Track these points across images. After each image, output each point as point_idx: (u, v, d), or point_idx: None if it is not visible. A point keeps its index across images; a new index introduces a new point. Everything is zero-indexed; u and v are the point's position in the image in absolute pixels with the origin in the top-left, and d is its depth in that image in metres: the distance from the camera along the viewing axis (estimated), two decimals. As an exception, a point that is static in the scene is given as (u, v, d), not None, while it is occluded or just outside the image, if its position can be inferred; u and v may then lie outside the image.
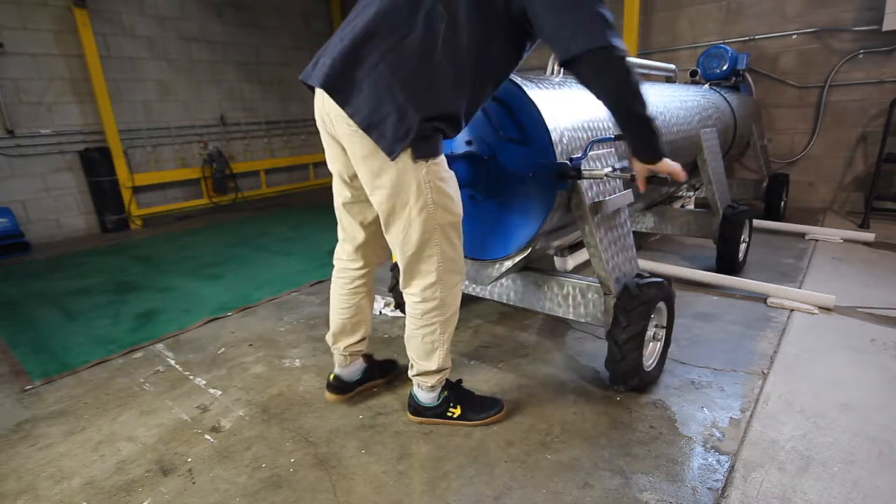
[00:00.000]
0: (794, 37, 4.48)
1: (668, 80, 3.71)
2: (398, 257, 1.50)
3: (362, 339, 1.85)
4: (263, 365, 2.26)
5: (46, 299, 3.34)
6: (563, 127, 1.74)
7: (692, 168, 3.03)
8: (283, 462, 1.61)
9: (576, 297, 1.97)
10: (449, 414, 1.73)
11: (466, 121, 1.42)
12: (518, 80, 1.74)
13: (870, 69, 4.19)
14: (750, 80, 4.64)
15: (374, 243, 1.70)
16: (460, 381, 1.80)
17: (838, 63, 4.30)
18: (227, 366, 2.27)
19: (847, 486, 1.39)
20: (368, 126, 1.28)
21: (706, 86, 3.84)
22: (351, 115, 1.28)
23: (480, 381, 2.02)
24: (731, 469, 1.47)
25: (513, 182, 1.77)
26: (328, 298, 1.81)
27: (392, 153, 1.29)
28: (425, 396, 1.72)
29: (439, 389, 1.71)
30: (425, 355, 1.62)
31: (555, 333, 2.41)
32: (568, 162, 1.66)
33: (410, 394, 1.76)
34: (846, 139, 4.44)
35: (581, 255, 2.46)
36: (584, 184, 1.73)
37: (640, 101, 1.34)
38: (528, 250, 1.87)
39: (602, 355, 1.86)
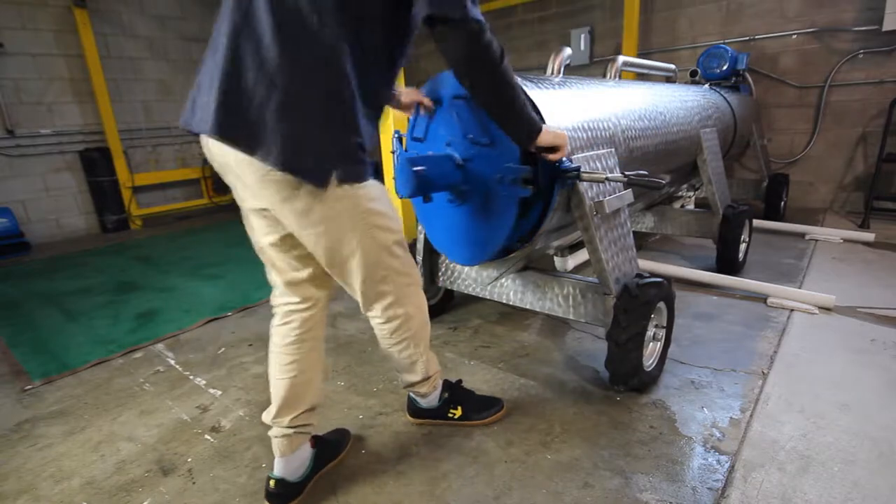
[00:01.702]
0: (794, 37, 4.48)
1: (668, 80, 3.71)
2: (350, 290, 1.34)
3: (313, 409, 1.44)
4: (263, 365, 2.25)
5: (46, 299, 3.34)
6: (563, 127, 1.74)
7: (692, 168, 3.03)
8: None
9: (576, 297, 1.97)
10: (450, 415, 1.72)
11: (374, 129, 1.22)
12: (518, 79, 1.73)
13: (870, 69, 4.19)
14: (750, 80, 4.63)
15: (316, 270, 1.36)
16: (460, 381, 1.79)
17: (838, 63, 4.30)
18: (227, 366, 2.27)
19: (847, 486, 1.39)
20: (285, 165, 1.07)
21: (706, 86, 3.84)
22: (264, 160, 1.07)
23: (480, 381, 2.02)
24: (731, 469, 1.47)
25: (484, 186, 1.69)
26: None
27: (322, 182, 1.11)
28: (424, 400, 1.70)
29: (439, 391, 1.69)
30: (408, 368, 1.57)
31: (555, 333, 2.41)
32: (527, 168, 1.56)
33: (409, 396, 1.75)
34: (846, 139, 4.44)
35: (581, 255, 2.46)
36: (583, 184, 1.73)
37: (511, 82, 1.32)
38: (528, 250, 1.87)
39: (602, 355, 1.86)
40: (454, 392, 1.74)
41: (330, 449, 1.56)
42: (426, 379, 1.61)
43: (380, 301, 1.38)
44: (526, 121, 1.41)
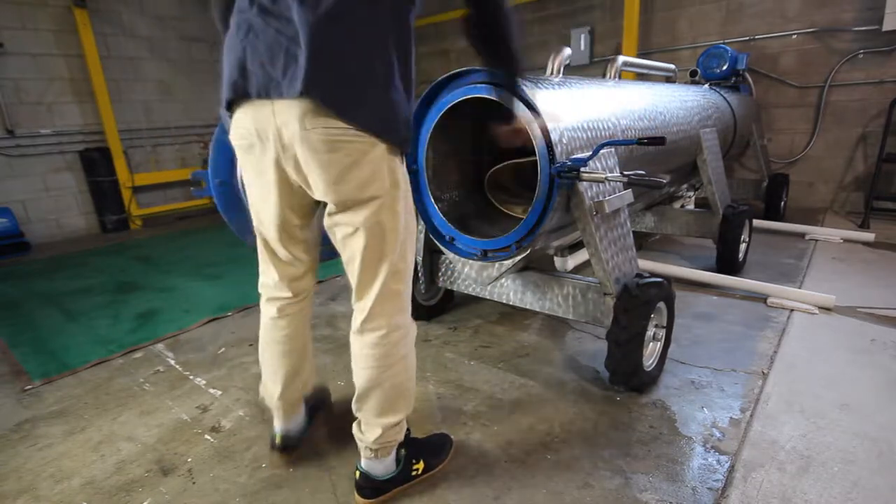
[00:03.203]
0: (794, 37, 4.48)
1: (668, 80, 3.71)
2: (373, 270, 1.22)
3: (307, 380, 1.60)
4: (263, 365, 2.26)
5: (46, 299, 3.34)
6: (563, 127, 1.74)
7: (692, 168, 3.03)
8: (283, 462, 1.60)
9: (576, 297, 1.97)
10: (414, 473, 1.44)
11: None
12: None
13: (870, 69, 4.19)
14: (750, 80, 4.63)
15: (312, 264, 1.44)
16: (408, 429, 1.47)
17: (838, 63, 4.30)
18: (227, 366, 2.27)
19: (847, 486, 1.39)
20: (373, 127, 1.08)
21: (706, 86, 3.84)
22: (353, 120, 1.05)
23: (480, 380, 2.02)
24: (731, 469, 1.47)
25: None
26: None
27: (402, 143, 1.14)
28: (382, 467, 1.37)
29: (395, 451, 1.39)
30: (390, 406, 1.31)
31: (555, 333, 2.41)
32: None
33: (361, 473, 1.38)
34: (846, 139, 4.44)
35: (581, 255, 2.46)
36: (583, 184, 1.73)
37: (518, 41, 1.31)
38: (528, 250, 1.87)
39: (602, 355, 1.86)
40: (409, 445, 1.45)
41: (317, 405, 1.77)
42: (402, 423, 1.37)
43: (392, 302, 1.26)
44: (518, 48, 1.37)
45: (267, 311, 1.46)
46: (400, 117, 1.13)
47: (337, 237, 1.23)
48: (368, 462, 1.37)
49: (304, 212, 1.30)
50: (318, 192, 1.16)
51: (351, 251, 1.22)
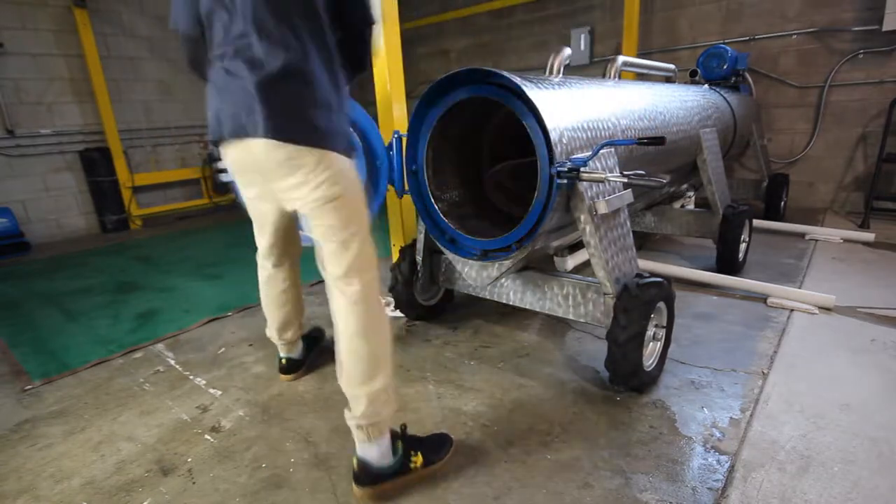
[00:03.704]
0: (794, 37, 4.48)
1: (668, 80, 3.71)
2: (346, 257, 1.39)
3: (300, 324, 2.09)
4: (263, 365, 2.26)
5: (46, 299, 3.34)
6: (562, 127, 1.74)
7: (692, 168, 3.03)
8: (283, 462, 1.61)
9: (576, 297, 1.97)
10: (412, 465, 1.46)
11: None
12: (517, 79, 1.74)
13: (870, 69, 4.19)
14: (750, 80, 4.63)
15: (292, 239, 1.89)
16: (405, 425, 1.53)
17: (838, 63, 4.30)
18: (227, 366, 2.27)
19: (847, 486, 1.39)
20: (328, 143, 1.34)
21: (706, 86, 3.84)
22: (308, 144, 1.31)
23: (480, 380, 2.02)
24: (731, 469, 1.47)
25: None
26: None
27: (346, 152, 1.41)
28: (379, 454, 1.41)
29: (389, 439, 1.43)
30: (372, 371, 1.38)
31: (555, 333, 2.41)
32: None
33: (358, 462, 1.41)
34: (846, 139, 4.44)
35: (581, 255, 2.46)
36: (583, 184, 1.73)
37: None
38: (528, 250, 1.87)
39: (602, 355, 1.86)
40: (406, 439, 1.49)
41: (313, 339, 2.24)
42: (385, 389, 1.40)
43: (357, 282, 1.40)
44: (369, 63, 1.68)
45: (263, 268, 1.93)
46: (342, 131, 1.40)
47: (312, 230, 1.46)
48: (362, 447, 1.41)
49: (283, 219, 1.74)
50: (288, 200, 1.44)
51: (321, 236, 1.44)
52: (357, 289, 1.39)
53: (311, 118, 1.31)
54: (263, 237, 1.82)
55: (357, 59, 1.54)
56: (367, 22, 1.47)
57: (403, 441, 1.47)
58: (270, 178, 1.40)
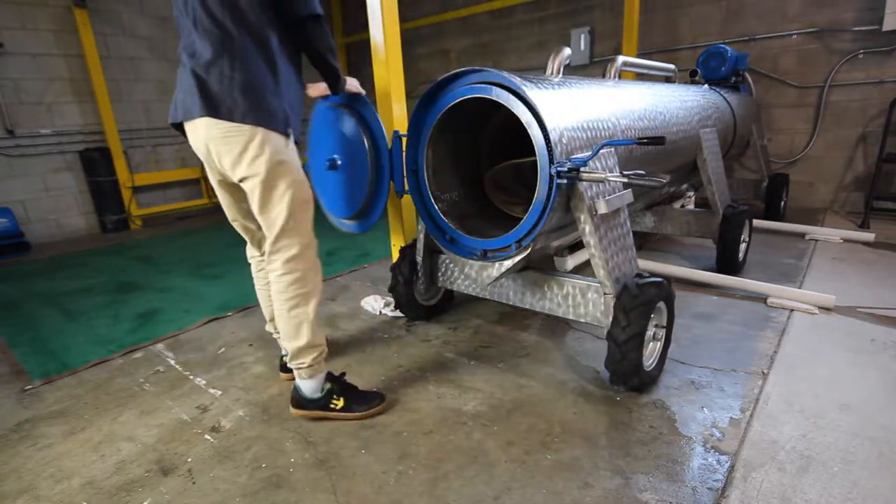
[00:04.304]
0: (794, 37, 4.48)
1: (668, 80, 3.71)
2: (270, 232, 1.64)
3: None
4: (263, 365, 2.26)
5: (46, 299, 3.34)
6: (562, 127, 1.74)
7: (692, 168, 3.03)
8: (283, 462, 1.61)
9: (576, 297, 1.97)
10: (332, 405, 1.79)
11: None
12: (517, 79, 1.74)
13: (870, 69, 4.19)
14: (750, 80, 4.63)
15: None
16: (343, 374, 1.89)
17: (838, 63, 4.30)
18: (227, 366, 2.27)
19: (847, 486, 1.39)
20: (259, 120, 1.53)
21: (706, 86, 3.84)
22: (242, 121, 1.50)
23: (480, 380, 2.02)
24: (731, 469, 1.47)
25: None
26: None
27: (280, 128, 1.58)
28: (308, 387, 1.78)
29: (322, 378, 1.79)
30: (294, 332, 1.70)
31: (555, 333, 2.41)
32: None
33: (294, 386, 1.81)
34: (846, 139, 4.44)
35: (581, 255, 2.46)
36: (583, 184, 1.73)
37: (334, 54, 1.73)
38: (528, 250, 1.87)
39: (602, 355, 1.86)
40: (337, 383, 1.83)
41: None
42: (310, 347, 1.72)
43: (286, 252, 1.65)
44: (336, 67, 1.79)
45: (252, 259, 2.05)
46: (277, 111, 1.56)
47: (250, 202, 1.65)
48: (298, 380, 1.79)
49: (238, 192, 1.78)
50: (232, 174, 1.61)
51: (257, 207, 1.64)
52: (285, 256, 1.65)
53: (243, 98, 1.50)
54: (236, 223, 1.92)
55: (309, 49, 1.66)
56: (300, 14, 1.56)
57: (334, 383, 1.82)
58: (217, 157, 1.60)
